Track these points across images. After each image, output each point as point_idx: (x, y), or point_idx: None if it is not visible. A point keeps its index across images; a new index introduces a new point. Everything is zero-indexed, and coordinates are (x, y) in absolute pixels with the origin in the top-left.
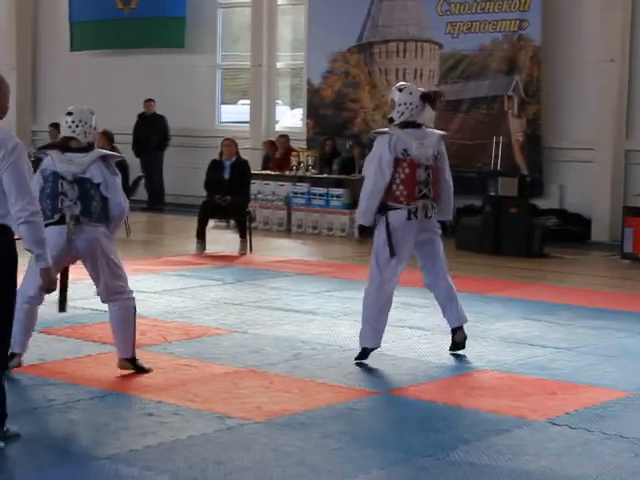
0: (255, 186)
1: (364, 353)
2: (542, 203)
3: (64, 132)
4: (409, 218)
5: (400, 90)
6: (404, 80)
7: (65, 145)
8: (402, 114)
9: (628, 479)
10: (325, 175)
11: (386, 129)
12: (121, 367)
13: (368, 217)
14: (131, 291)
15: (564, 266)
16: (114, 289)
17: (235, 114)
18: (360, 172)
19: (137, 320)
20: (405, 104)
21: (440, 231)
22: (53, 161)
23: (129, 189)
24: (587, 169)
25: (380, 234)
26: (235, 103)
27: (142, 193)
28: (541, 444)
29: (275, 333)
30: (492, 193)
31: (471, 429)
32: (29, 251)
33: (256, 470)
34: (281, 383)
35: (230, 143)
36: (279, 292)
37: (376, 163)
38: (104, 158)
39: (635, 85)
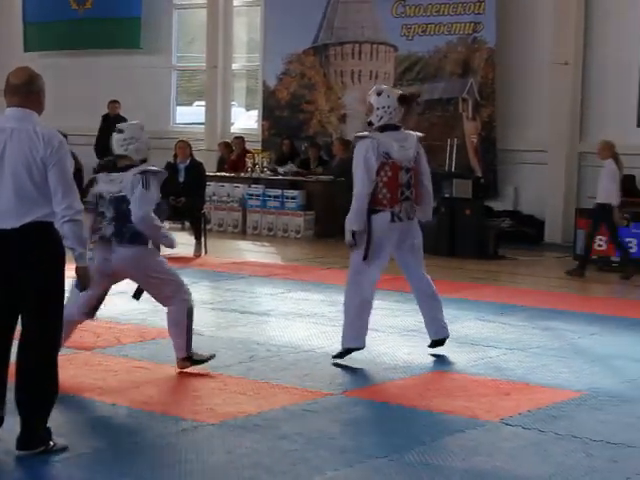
0: (210, 188)
1: (346, 353)
2: (496, 205)
3: (116, 150)
4: (392, 220)
5: (378, 94)
6: (359, 82)
7: (115, 164)
8: (381, 117)
9: (580, 479)
10: (280, 177)
11: (366, 133)
12: (179, 367)
13: (359, 221)
14: (185, 292)
15: (518, 267)
16: (163, 297)
17: (190, 115)
18: (314, 174)
19: (91, 322)
20: (384, 107)
21: (421, 236)
22: (97, 183)
23: (82, 190)
24: (541, 171)
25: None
26: (190, 104)
27: None
28: (494, 444)
29: (230, 335)
30: (447, 195)
31: (425, 430)
32: (71, 249)
33: (210, 472)
34: (235, 385)
35: (184, 145)
36: (234, 294)
37: (362, 167)
38: (143, 173)
39: (588, 87)
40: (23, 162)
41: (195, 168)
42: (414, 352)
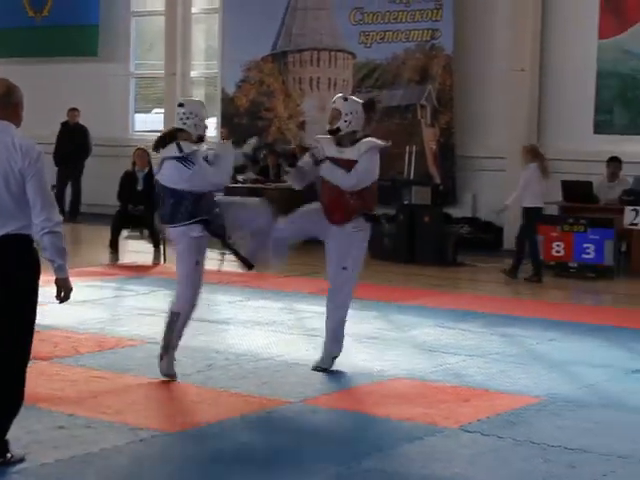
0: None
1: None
2: (455, 212)
3: (175, 123)
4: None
5: (345, 99)
6: (318, 89)
7: (173, 135)
8: (350, 123)
9: None
10: (239, 185)
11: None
12: None
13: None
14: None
15: (477, 274)
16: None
17: (149, 123)
18: (273, 182)
19: (49, 332)
20: (352, 113)
21: None
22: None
23: None
24: (499, 178)
25: (363, 244)
26: (149, 112)
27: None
28: (453, 451)
29: (188, 343)
30: (406, 202)
31: (384, 437)
32: (50, 261)
33: None
34: (194, 394)
35: (142, 153)
36: None
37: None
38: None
39: (545, 94)
40: (1, 173)
41: (153, 176)
42: (373, 359)
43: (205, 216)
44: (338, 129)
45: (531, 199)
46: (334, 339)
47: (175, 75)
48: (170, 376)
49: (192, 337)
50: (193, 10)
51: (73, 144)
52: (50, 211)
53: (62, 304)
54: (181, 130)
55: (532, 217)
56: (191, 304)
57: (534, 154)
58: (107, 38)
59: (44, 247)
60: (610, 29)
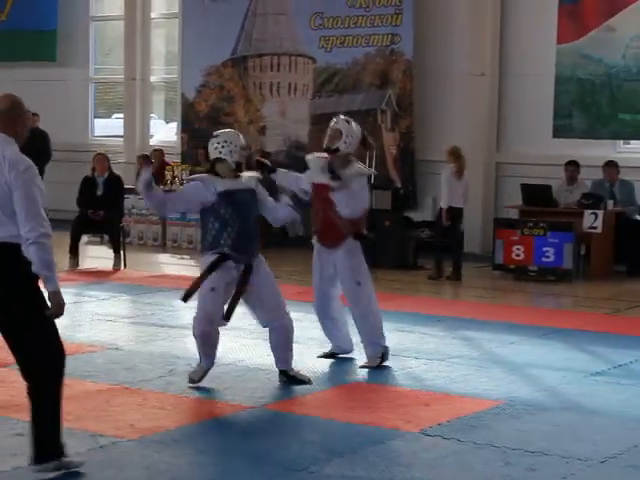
0: (129, 201)
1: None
2: (416, 215)
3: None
4: None
5: (348, 122)
6: (278, 94)
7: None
8: (349, 145)
9: None
10: None
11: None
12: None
13: None
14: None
15: (438, 278)
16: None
17: (109, 128)
18: None
19: None
20: (352, 136)
21: None
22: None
23: None
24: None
25: (358, 255)
26: (109, 117)
27: None
28: (414, 455)
29: (149, 349)
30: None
31: (345, 441)
32: (37, 274)
33: None
34: (155, 400)
35: (102, 159)
36: (153, 308)
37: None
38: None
39: (505, 98)
40: None
41: (113, 181)
42: (334, 364)
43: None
44: (337, 149)
45: (449, 200)
46: (369, 343)
47: (135, 80)
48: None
49: (153, 342)
50: (152, 15)
51: (33, 149)
52: (35, 222)
53: (56, 320)
54: (220, 160)
55: (455, 217)
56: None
57: (456, 156)
58: (66, 43)
59: (30, 258)
60: (569, 34)
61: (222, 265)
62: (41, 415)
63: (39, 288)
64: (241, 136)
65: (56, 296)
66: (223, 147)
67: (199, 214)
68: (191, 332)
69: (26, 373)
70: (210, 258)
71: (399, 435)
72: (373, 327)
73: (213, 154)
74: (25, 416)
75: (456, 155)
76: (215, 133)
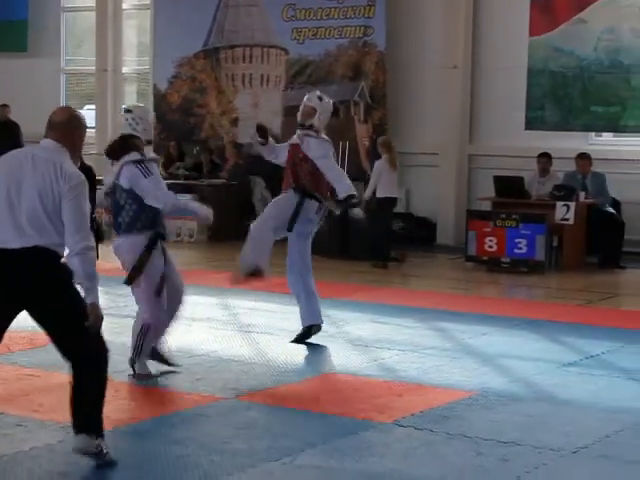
0: (101, 192)
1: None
2: None
3: (124, 129)
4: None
5: (321, 99)
6: (250, 86)
7: (126, 141)
8: (322, 121)
9: (471, 478)
10: (171, 181)
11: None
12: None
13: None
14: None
15: (411, 269)
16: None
17: None
18: (207, 178)
19: None
20: (325, 112)
21: None
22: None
23: None
24: (432, 173)
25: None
26: (81, 108)
27: None
28: (387, 445)
29: (122, 340)
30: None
31: (317, 432)
32: (79, 284)
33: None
34: (127, 391)
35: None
36: (126, 299)
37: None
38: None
39: (477, 91)
40: (41, 190)
41: (85, 172)
42: (307, 355)
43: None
44: (311, 126)
45: (382, 190)
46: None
47: (106, 71)
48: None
49: (125, 334)
50: (124, 6)
51: (5, 140)
52: (82, 235)
53: (93, 332)
54: (133, 136)
55: (384, 207)
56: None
57: (387, 147)
58: (37, 33)
59: (74, 269)
60: (541, 27)
61: (157, 245)
62: (91, 404)
63: (78, 291)
64: (151, 114)
65: (95, 309)
66: (138, 124)
67: (125, 194)
68: None
69: (74, 365)
70: (142, 238)
71: (372, 426)
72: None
73: (125, 129)
74: (9, 409)
75: (388, 146)
76: (128, 107)
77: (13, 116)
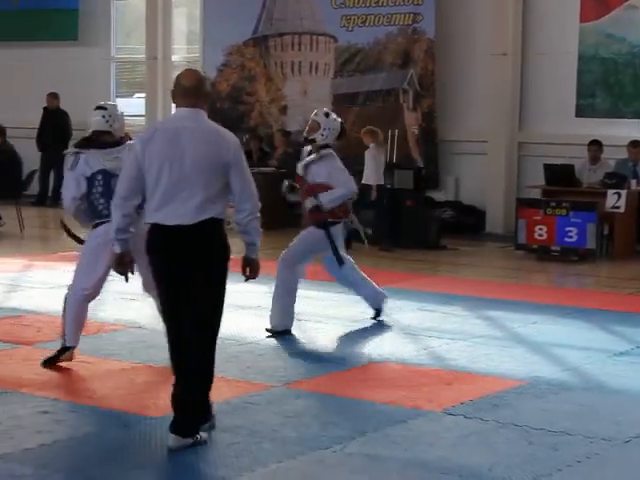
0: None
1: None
2: (438, 195)
3: (98, 126)
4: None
5: (326, 115)
6: (299, 73)
7: (99, 140)
8: (326, 137)
9: (521, 467)
10: None
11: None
12: None
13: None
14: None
15: (459, 257)
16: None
17: (131, 107)
18: (256, 166)
19: (32, 316)
20: (330, 129)
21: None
22: (95, 160)
23: (22, 183)
24: (481, 161)
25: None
26: (131, 96)
27: (36, 187)
28: (436, 434)
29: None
30: (388, 186)
31: (367, 420)
32: (250, 244)
33: (152, 467)
34: None
35: (124, 138)
36: None
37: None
38: None
39: (527, 78)
40: (209, 161)
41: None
42: (356, 343)
43: None
44: (314, 140)
45: (375, 178)
46: None
47: (156, 59)
48: None
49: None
50: None
51: (54, 129)
52: (255, 198)
53: (247, 281)
54: (107, 132)
55: (380, 194)
56: None
57: (373, 136)
58: (87, 22)
59: (248, 231)
60: (592, 13)
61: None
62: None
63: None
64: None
65: (257, 262)
66: (114, 121)
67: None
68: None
69: (198, 332)
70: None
71: (421, 414)
72: None
73: (102, 126)
74: (50, 393)
75: (373, 135)
76: (101, 104)
77: (63, 105)
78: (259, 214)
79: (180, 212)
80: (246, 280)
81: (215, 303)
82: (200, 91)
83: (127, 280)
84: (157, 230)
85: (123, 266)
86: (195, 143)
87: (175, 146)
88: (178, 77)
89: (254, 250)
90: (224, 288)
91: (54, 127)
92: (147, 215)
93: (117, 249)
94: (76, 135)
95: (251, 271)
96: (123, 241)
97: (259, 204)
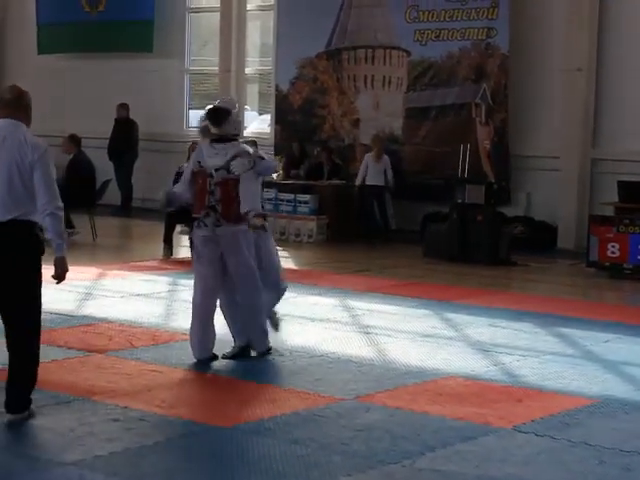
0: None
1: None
2: (509, 211)
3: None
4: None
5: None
6: (372, 87)
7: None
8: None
9: None
10: (292, 181)
11: None
12: None
13: None
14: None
15: (530, 274)
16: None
17: None
18: (329, 178)
19: (104, 324)
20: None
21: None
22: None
23: (96, 193)
24: (553, 177)
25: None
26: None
27: (110, 197)
28: (507, 451)
29: None
30: (459, 200)
31: (437, 436)
32: (51, 241)
33: (222, 476)
34: (248, 389)
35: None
36: None
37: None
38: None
39: (601, 94)
40: (16, 165)
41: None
42: (427, 357)
43: None
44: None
45: (370, 179)
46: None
47: (230, 72)
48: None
49: None
50: (248, 7)
51: (123, 139)
52: (52, 196)
53: (59, 284)
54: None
55: (372, 192)
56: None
57: (378, 142)
58: (162, 34)
59: (46, 227)
60: None
61: None
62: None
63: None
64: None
65: (63, 262)
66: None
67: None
68: (284, 323)
69: (14, 332)
70: None
71: (491, 431)
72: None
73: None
74: (120, 402)
75: (379, 141)
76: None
77: (139, 116)
78: (59, 212)
79: None
80: (56, 282)
81: (22, 301)
82: (19, 104)
83: None
84: None
85: None
86: (5, 149)
87: None
88: (1, 91)
89: (56, 248)
90: (34, 286)
91: (123, 137)
92: None
93: None
94: (150, 146)
95: (56, 271)
96: None
97: (57, 203)
